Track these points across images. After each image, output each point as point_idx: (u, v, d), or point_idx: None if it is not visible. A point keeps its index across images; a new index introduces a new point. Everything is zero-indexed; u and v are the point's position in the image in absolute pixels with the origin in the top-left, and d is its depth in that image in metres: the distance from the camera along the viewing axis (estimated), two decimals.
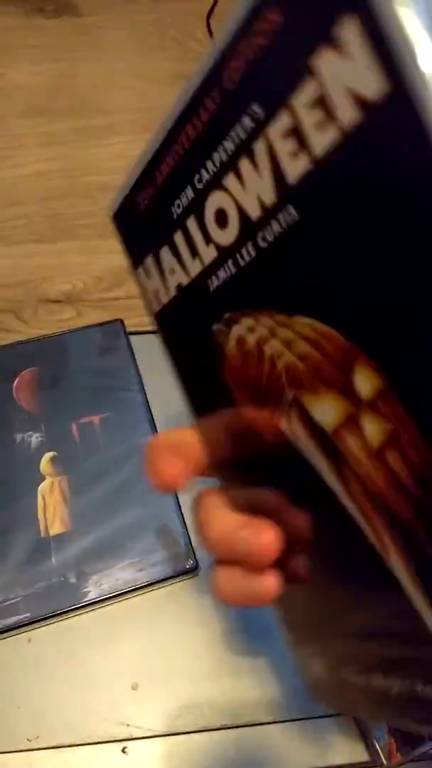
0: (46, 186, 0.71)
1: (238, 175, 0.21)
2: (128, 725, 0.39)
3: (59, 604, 0.41)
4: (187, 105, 0.22)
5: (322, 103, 0.17)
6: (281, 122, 0.18)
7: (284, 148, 0.19)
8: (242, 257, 0.22)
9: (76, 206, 0.69)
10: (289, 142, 0.18)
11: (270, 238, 0.20)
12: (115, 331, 0.55)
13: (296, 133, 0.18)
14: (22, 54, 0.89)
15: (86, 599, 0.41)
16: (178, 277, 0.25)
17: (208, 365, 0.25)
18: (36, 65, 0.88)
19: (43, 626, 0.41)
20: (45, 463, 0.46)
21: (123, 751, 0.38)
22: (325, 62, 0.16)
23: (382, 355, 0.18)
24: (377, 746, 0.36)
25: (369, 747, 0.36)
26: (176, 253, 0.25)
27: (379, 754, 0.36)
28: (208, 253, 0.23)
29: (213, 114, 0.21)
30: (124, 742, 0.38)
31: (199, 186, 0.22)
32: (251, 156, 0.20)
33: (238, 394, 0.24)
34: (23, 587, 0.42)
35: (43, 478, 0.46)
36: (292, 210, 0.19)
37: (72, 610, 0.41)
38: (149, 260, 0.26)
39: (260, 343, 0.22)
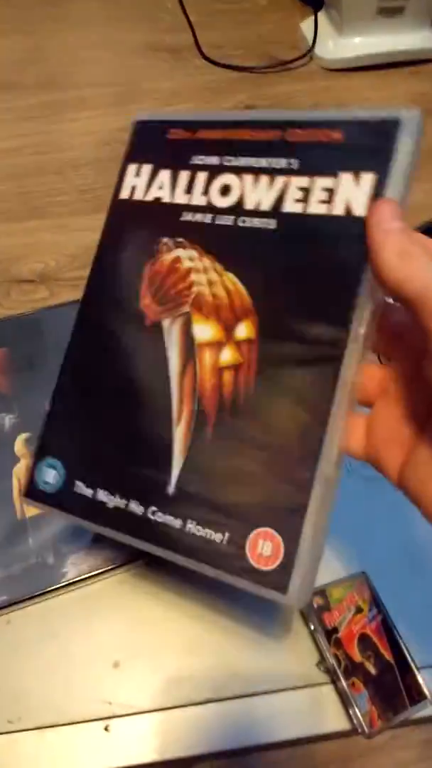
0: (15, 163, 0.70)
1: (256, 180, 0.31)
2: (110, 703, 0.39)
3: (38, 586, 0.41)
4: (261, 121, 0.32)
5: (329, 192, 0.29)
6: (302, 180, 0.30)
7: (294, 192, 0.30)
8: (221, 219, 0.32)
9: (47, 183, 0.68)
10: (298, 192, 0.30)
11: (248, 224, 0.31)
12: None
13: (305, 192, 0.30)
14: None
15: (65, 579, 0.41)
16: (161, 194, 0.34)
17: (137, 260, 0.33)
18: (4, 38, 0.85)
19: (22, 608, 0.41)
20: (19, 445, 0.46)
21: (106, 729, 0.38)
22: (345, 177, 0.29)
23: (265, 323, 0.30)
24: (359, 714, 0.36)
25: (351, 715, 0.36)
26: (174, 180, 0.33)
27: (360, 721, 0.36)
28: (198, 199, 0.33)
29: (270, 140, 0.32)
30: (106, 720, 0.38)
31: (226, 164, 0.32)
32: (272, 178, 0.31)
33: (144, 288, 0.33)
34: (1, 569, 0.41)
35: (18, 460, 0.45)
36: (272, 221, 0.31)
37: (51, 591, 0.41)
38: (147, 167, 0.34)
39: (190, 269, 0.32)
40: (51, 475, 0.33)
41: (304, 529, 0.27)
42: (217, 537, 0.28)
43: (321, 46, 0.79)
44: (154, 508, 0.30)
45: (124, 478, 0.31)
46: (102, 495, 0.31)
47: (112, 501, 0.31)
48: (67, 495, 0.32)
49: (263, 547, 0.27)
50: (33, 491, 0.33)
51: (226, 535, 0.28)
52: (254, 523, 0.28)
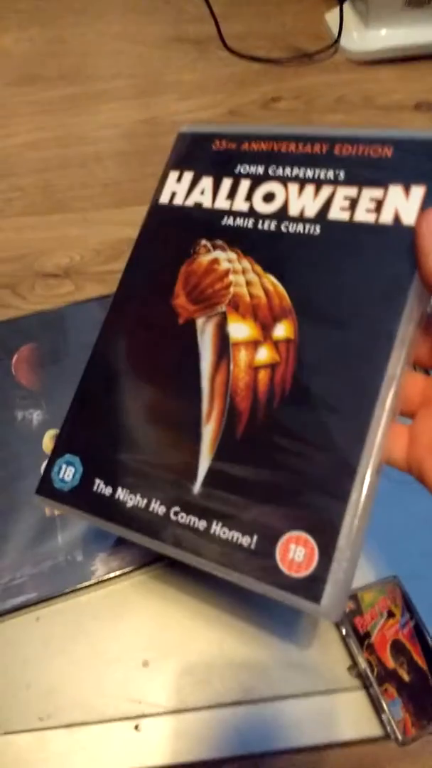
0: (39, 157, 0.69)
1: (302, 189, 0.32)
2: (140, 702, 0.38)
3: (67, 583, 0.40)
4: (309, 136, 0.33)
5: (378, 202, 0.30)
6: (349, 191, 0.31)
7: (340, 201, 0.31)
8: (263, 224, 0.32)
9: (70, 177, 0.67)
10: (344, 201, 0.31)
11: (291, 230, 0.31)
12: None
13: (352, 201, 0.31)
14: (10, 20, 0.86)
15: (94, 577, 0.41)
16: (202, 199, 0.34)
17: (173, 259, 0.33)
18: (24, 31, 0.85)
19: (51, 605, 0.41)
20: (48, 441, 0.45)
21: (135, 728, 0.38)
22: (394, 189, 0.30)
23: (306, 324, 0.29)
24: (392, 721, 0.36)
25: (384, 722, 0.36)
26: (216, 186, 0.34)
27: (393, 728, 0.36)
28: (240, 205, 0.33)
29: (317, 153, 0.32)
30: (136, 720, 0.38)
31: (270, 173, 0.33)
32: (318, 188, 0.32)
33: (179, 287, 0.33)
34: (30, 567, 0.41)
35: (46, 456, 0.45)
36: (317, 227, 0.31)
37: (80, 588, 0.41)
38: (189, 174, 0.35)
39: (229, 270, 0.32)
40: (68, 473, 0.32)
41: (341, 535, 0.26)
42: (245, 540, 0.27)
43: (346, 38, 0.78)
44: (177, 509, 0.29)
45: (147, 476, 0.30)
46: (121, 494, 0.30)
47: (132, 500, 0.30)
48: (84, 493, 0.31)
49: (295, 553, 0.26)
50: (47, 489, 0.32)
51: (255, 538, 0.27)
52: (287, 527, 0.27)
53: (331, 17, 0.81)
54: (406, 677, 0.37)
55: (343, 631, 0.38)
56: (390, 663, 0.37)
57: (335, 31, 0.78)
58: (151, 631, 0.40)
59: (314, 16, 0.84)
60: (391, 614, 0.39)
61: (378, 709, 0.37)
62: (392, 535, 0.42)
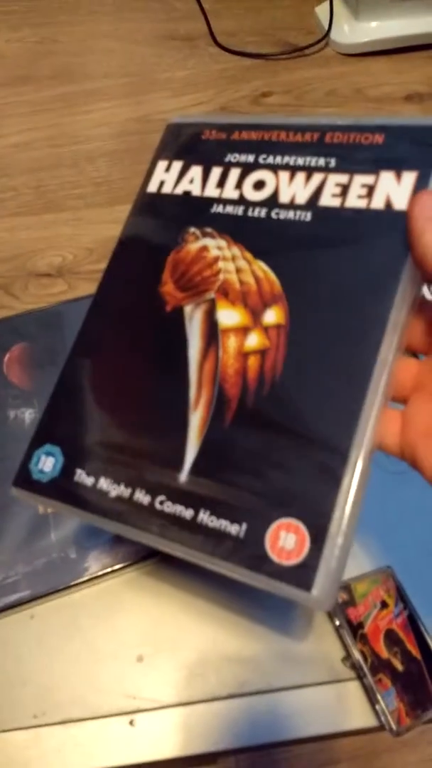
0: (31, 156, 0.69)
1: (292, 176, 0.32)
2: (135, 697, 0.38)
3: (60, 580, 0.41)
4: (299, 125, 0.33)
5: (369, 188, 0.30)
6: (340, 177, 0.31)
7: (331, 188, 0.31)
8: (253, 211, 0.32)
9: (62, 176, 0.67)
10: (335, 188, 0.31)
11: (281, 217, 0.31)
12: None
13: (343, 188, 0.30)
14: (1, 21, 0.86)
15: (87, 574, 0.41)
16: (191, 188, 0.34)
17: (161, 247, 0.33)
18: (16, 32, 0.85)
19: (45, 602, 0.41)
20: None
21: (131, 723, 0.38)
22: (386, 175, 0.30)
23: (297, 309, 0.29)
24: (386, 711, 0.36)
25: (378, 712, 0.36)
26: (205, 175, 0.34)
27: (388, 719, 0.36)
28: (230, 193, 0.33)
29: (308, 141, 0.32)
30: (131, 715, 0.38)
31: (261, 161, 0.33)
32: (309, 175, 0.31)
33: (167, 275, 0.33)
34: (23, 564, 0.41)
35: None
36: (308, 214, 0.31)
37: (74, 585, 0.41)
38: (178, 164, 0.35)
39: (218, 257, 0.32)
40: (48, 464, 0.31)
41: (333, 522, 0.25)
42: (233, 528, 0.27)
43: (336, 31, 0.78)
44: (162, 498, 0.28)
45: (131, 465, 0.29)
46: (104, 484, 0.29)
47: (115, 490, 0.29)
48: (64, 484, 0.30)
49: (286, 540, 0.26)
50: (24, 480, 0.31)
51: (244, 526, 0.26)
52: (276, 514, 0.26)
53: (321, 11, 0.81)
54: (399, 667, 0.37)
55: (337, 622, 0.38)
56: (384, 653, 0.37)
57: (325, 24, 0.78)
58: (145, 626, 0.40)
59: (304, 10, 0.84)
60: (384, 604, 0.39)
61: (372, 700, 0.37)
62: (385, 525, 0.42)
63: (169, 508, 0.28)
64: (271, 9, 0.85)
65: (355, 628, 0.38)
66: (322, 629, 0.40)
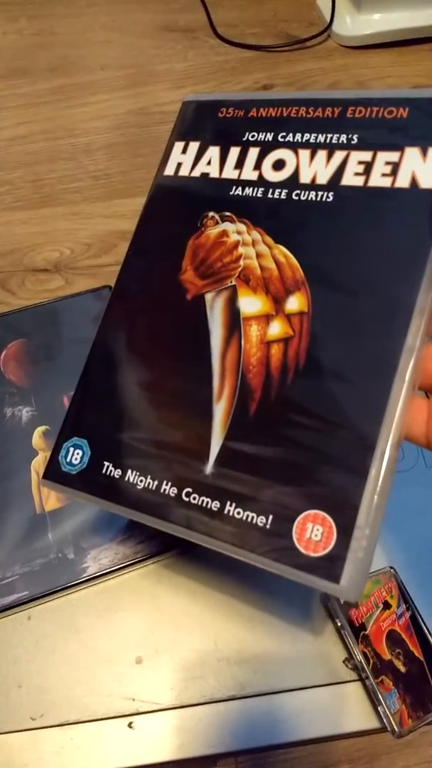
0: (28, 150, 0.68)
1: (313, 155, 0.31)
2: (134, 700, 0.38)
3: (58, 581, 0.40)
4: (319, 99, 0.32)
5: (394, 165, 0.29)
6: (363, 155, 0.30)
7: (354, 167, 0.30)
8: (273, 193, 0.31)
9: (60, 170, 0.66)
10: (358, 166, 0.29)
11: (303, 198, 0.30)
12: (105, 297, 0.52)
13: (367, 165, 0.29)
14: None
15: (85, 574, 0.40)
16: (209, 169, 0.33)
17: (179, 233, 0.32)
18: (13, 24, 0.84)
19: (42, 603, 0.40)
20: (37, 438, 0.45)
21: (129, 725, 0.37)
22: (411, 152, 0.29)
23: (320, 296, 0.28)
24: (388, 713, 0.35)
25: (380, 714, 0.36)
26: (223, 156, 0.33)
27: (390, 720, 0.35)
28: (249, 174, 0.32)
29: (328, 117, 0.31)
30: (130, 717, 0.38)
31: (280, 139, 0.32)
32: (330, 153, 0.30)
33: (186, 262, 0.32)
34: (21, 565, 0.40)
35: (36, 453, 0.44)
36: (330, 194, 0.30)
37: (71, 586, 0.40)
38: (194, 144, 0.34)
39: (238, 243, 0.31)
40: (76, 456, 0.31)
41: (360, 513, 0.25)
42: (260, 520, 0.26)
43: (339, 23, 0.77)
44: (189, 489, 0.28)
45: (157, 457, 0.29)
46: (131, 476, 0.29)
47: (143, 482, 0.29)
48: (93, 477, 0.30)
49: (313, 532, 0.25)
50: (55, 473, 0.31)
51: (270, 517, 0.26)
52: (303, 506, 0.26)
53: (323, 2, 0.80)
54: (402, 668, 0.36)
55: (338, 623, 0.38)
56: (386, 654, 0.37)
57: (327, 16, 0.77)
58: (143, 628, 0.40)
59: (306, 2, 0.83)
60: (387, 605, 0.38)
61: (374, 701, 0.36)
62: (388, 526, 0.41)
63: (196, 500, 0.28)
64: (272, 1, 0.84)
65: (358, 629, 0.37)
66: (324, 631, 0.39)
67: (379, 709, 0.36)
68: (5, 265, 0.58)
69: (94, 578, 0.40)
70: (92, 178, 0.65)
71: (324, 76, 0.74)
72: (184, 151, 0.34)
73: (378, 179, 0.29)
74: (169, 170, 0.35)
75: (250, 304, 0.30)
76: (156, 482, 0.29)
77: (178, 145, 0.35)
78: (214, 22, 0.79)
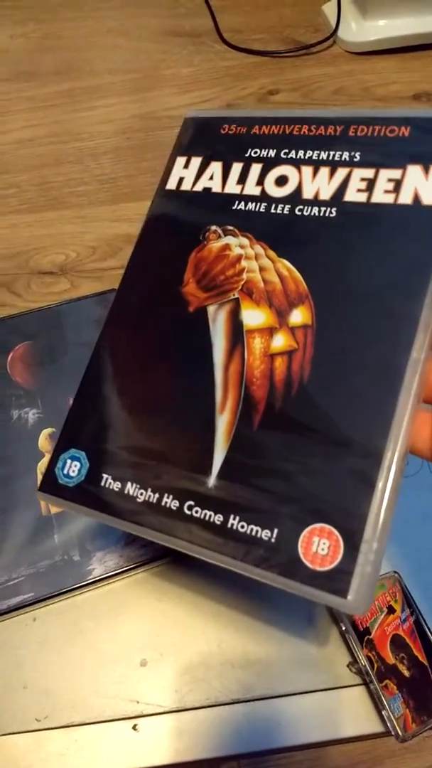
0: (34, 153, 0.69)
1: (315, 171, 0.31)
2: (138, 702, 0.38)
3: (63, 583, 0.40)
4: (322, 118, 0.32)
5: (396, 182, 0.29)
6: (366, 172, 0.30)
7: (356, 183, 0.30)
8: (275, 208, 0.31)
9: (66, 173, 0.67)
10: (361, 183, 0.30)
11: (305, 213, 0.31)
12: (110, 301, 0.52)
13: (369, 182, 0.30)
14: (6, 16, 0.86)
15: (91, 577, 0.40)
16: (211, 184, 0.33)
17: (182, 246, 0.33)
18: (21, 27, 0.84)
19: (48, 605, 0.41)
20: (43, 440, 0.45)
21: (134, 728, 0.37)
22: (413, 169, 0.29)
23: (324, 309, 0.28)
24: (392, 717, 0.35)
25: (384, 718, 0.36)
26: (226, 171, 0.33)
27: (394, 724, 0.35)
28: (252, 189, 0.32)
29: (331, 135, 0.31)
30: (134, 719, 0.38)
31: (283, 156, 0.32)
32: (334, 170, 0.31)
33: (188, 275, 0.32)
34: (26, 566, 0.41)
35: (42, 455, 0.45)
36: (332, 210, 0.30)
37: (77, 588, 0.40)
38: (197, 160, 0.34)
39: (241, 256, 0.31)
40: (74, 468, 0.30)
41: (367, 526, 0.24)
42: (265, 534, 0.26)
43: (344, 29, 0.77)
44: (191, 503, 0.27)
45: (158, 470, 0.29)
46: (131, 489, 0.29)
47: (143, 495, 0.28)
48: (91, 489, 0.30)
49: (319, 545, 0.25)
50: (52, 486, 0.30)
51: (275, 531, 0.26)
52: (309, 519, 0.25)
53: (329, 8, 0.80)
54: (406, 672, 0.36)
55: (343, 627, 0.38)
56: (390, 658, 0.37)
57: (333, 22, 0.77)
58: (148, 630, 0.40)
59: (311, 8, 0.83)
60: (391, 610, 0.38)
61: (378, 706, 0.36)
62: (392, 531, 0.41)
63: (198, 513, 0.27)
64: (278, 6, 0.84)
65: (362, 634, 0.37)
66: (328, 635, 0.39)
67: (383, 713, 0.36)
68: (11, 268, 0.59)
69: (99, 580, 0.40)
70: (98, 181, 0.66)
71: (329, 82, 0.74)
72: (186, 166, 0.35)
73: (381, 195, 0.29)
74: (171, 185, 0.35)
75: (254, 317, 0.30)
76: (157, 495, 0.28)
77: (180, 160, 0.35)
78: (221, 28, 0.79)
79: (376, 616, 0.38)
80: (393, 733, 0.35)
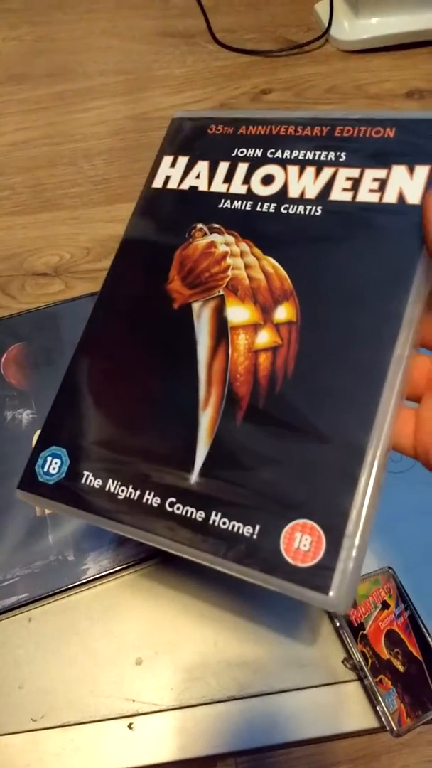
0: (28, 155, 0.69)
1: (301, 171, 0.31)
2: (134, 701, 0.38)
3: (58, 583, 0.40)
4: (302, 119, 0.32)
5: (381, 182, 0.29)
6: (351, 172, 0.30)
7: (342, 183, 0.30)
8: (261, 206, 0.32)
9: (59, 175, 0.67)
10: (346, 182, 0.30)
11: (291, 212, 0.31)
12: None
13: (354, 182, 0.30)
14: (0, 19, 0.86)
15: (86, 576, 0.40)
16: (197, 183, 0.34)
17: (167, 244, 0.33)
18: (14, 30, 0.84)
19: (43, 605, 0.41)
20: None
21: (129, 726, 0.38)
22: (398, 169, 0.29)
23: (309, 305, 0.29)
24: (387, 712, 0.35)
25: (379, 713, 0.36)
26: (212, 170, 0.34)
27: (389, 719, 0.35)
28: (238, 188, 0.33)
29: (317, 135, 0.32)
30: (130, 718, 0.38)
31: (269, 156, 0.33)
32: (319, 169, 0.31)
33: (173, 272, 0.32)
34: (21, 567, 0.41)
35: None
36: (318, 208, 0.30)
37: (72, 587, 0.40)
38: (183, 159, 0.35)
39: (226, 253, 0.31)
40: (54, 466, 0.30)
41: (350, 522, 0.24)
42: (247, 530, 0.26)
43: (337, 28, 0.77)
44: (172, 500, 0.27)
45: (140, 467, 0.29)
46: (112, 486, 0.29)
47: (124, 492, 0.28)
48: (71, 487, 0.29)
49: (301, 542, 0.25)
50: (31, 483, 0.30)
51: (257, 527, 0.26)
52: (291, 515, 0.25)
53: (321, 7, 0.80)
54: (401, 667, 0.36)
55: (337, 623, 0.38)
56: (384, 654, 0.37)
57: (325, 21, 0.77)
58: (144, 629, 0.40)
59: (303, 7, 0.83)
60: (385, 605, 0.38)
61: (373, 701, 0.36)
62: (386, 526, 0.42)
63: (180, 509, 0.27)
64: (270, 5, 0.84)
65: (356, 629, 0.37)
66: (322, 631, 0.39)
67: (377, 708, 0.36)
68: (6, 270, 0.59)
69: (94, 580, 0.40)
70: (92, 183, 0.66)
71: (322, 81, 0.75)
72: (172, 165, 0.35)
73: (366, 195, 0.30)
74: (158, 183, 0.35)
75: (238, 313, 0.30)
76: (138, 492, 0.28)
77: (167, 159, 0.35)
78: (213, 28, 0.79)
79: (371, 612, 0.38)
80: (388, 728, 0.35)
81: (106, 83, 0.76)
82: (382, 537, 0.41)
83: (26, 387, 0.48)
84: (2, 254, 0.60)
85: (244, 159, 0.33)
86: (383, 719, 0.35)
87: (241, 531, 0.26)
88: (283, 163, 0.32)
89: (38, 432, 0.45)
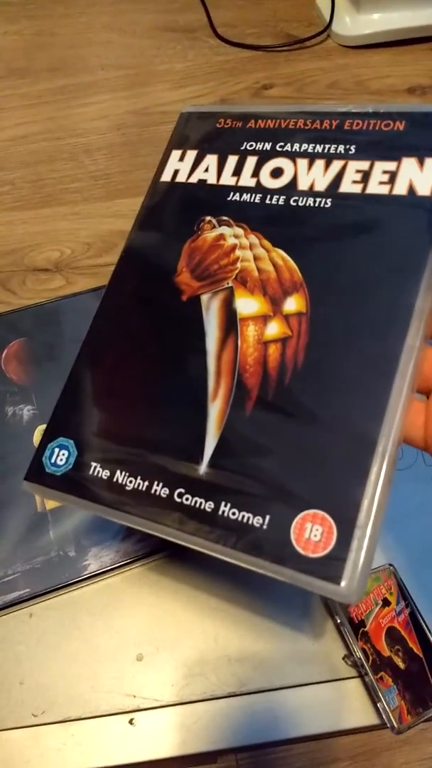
0: (28, 150, 0.68)
1: (311, 164, 0.32)
2: (135, 696, 0.38)
3: (59, 578, 0.40)
4: (311, 112, 0.33)
5: (391, 174, 0.30)
6: (361, 164, 0.30)
7: (351, 175, 0.31)
8: (270, 199, 0.32)
9: (60, 170, 0.66)
10: (356, 175, 0.30)
11: (300, 204, 0.31)
12: None
13: (364, 174, 0.30)
14: (0, 14, 0.85)
15: (87, 572, 0.40)
16: (206, 176, 0.34)
17: (176, 236, 0.33)
18: (14, 24, 0.84)
19: (44, 601, 0.41)
20: (38, 436, 0.45)
21: (130, 722, 0.38)
22: (408, 162, 0.30)
23: (318, 297, 0.29)
24: (388, 709, 0.35)
25: (379, 710, 0.36)
26: (221, 164, 0.34)
27: (389, 716, 0.35)
28: (247, 181, 0.33)
29: (326, 129, 0.32)
30: (131, 714, 0.38)
31: (279, 149, 0.33)
32: (329, 162, 0.31)
33: (182, 264, 0.32)
34: (22, 562, 0.41)
35: None
36: (327, 200, 0.30)
37: (73, 583, 0.40)
38: (192, 153, 0.35)
39: (235, 246, 0.31)
40: (61, 457, 0.30)
41: (361, 513, 0.24)
42: (257, 521, 0.25)
43: (338, 23, 0.77)
44: (181, 490, 0.27)
45: (148, 458, 0.28)
46: (120, 477, 0.28)
47: (132, 483, 0.28)
48: (79, 478, 0.29)
49: (312, 532, 0.25)
50: (38, 474, 0.30)
51: (267, 518, 0.25)
52: (302, 505, 0.25)
53: (323, 2, 0.80)
54: (401, 665, 0.36)
55: (338, 620, 0.38)
56: (385, 651, 0.37)
57: (327, 16, 0.77)
58: (144, 624, 0.40)
59: (305, 2, 0.83)
60: (386, 602, 0.38)
61: (374, 698, 0.36)
62: (387, 523, 0.41)
63: (189, 500, 0.27)
64: (272, 0, 0.84)
65: (357, 626, 0.37)
66: (323, 628, 0.39)
67: (378, 705, 0.36)
68: (6, 265, 0.59)
69: (95, 576, 0.40)
70: (92, 178, 0.66)
71: (324, 76, 0.74)
72: (181, 159, 0.35)
73: (376, 187, 0.30)
74: (166, 176, 0.35)
75: (247, 305, 0.30)
76: (146, 483, 0.28)
77: (176, 153, 0.35)
78: (214, 22, 0.79)
79: (371, 609, 0.38)
80: (388, 725, 0.35)
81: (107, 78, 0.76)
82: (383, 534, 0.41)
83: (27, 383, 0.47)
84: (3, 250, 0.60)
85: (253, 152, 0.33)
86: (384, 716, 0.35)
87: (250, 521, 0.26)
88: (292, 156, 0.32)
89: (39, 428, 0.45)
